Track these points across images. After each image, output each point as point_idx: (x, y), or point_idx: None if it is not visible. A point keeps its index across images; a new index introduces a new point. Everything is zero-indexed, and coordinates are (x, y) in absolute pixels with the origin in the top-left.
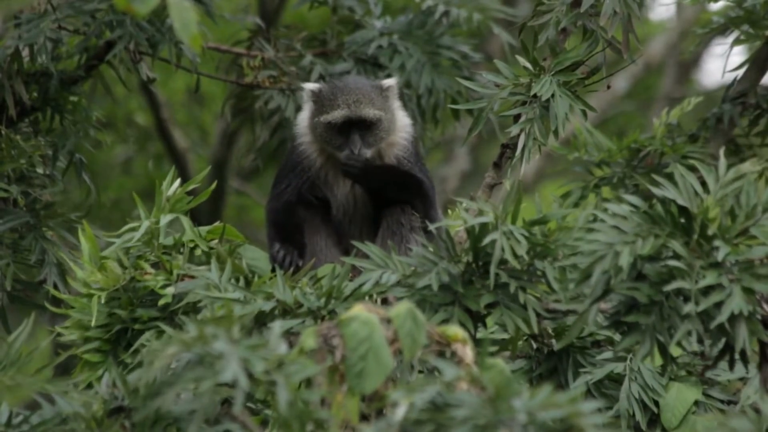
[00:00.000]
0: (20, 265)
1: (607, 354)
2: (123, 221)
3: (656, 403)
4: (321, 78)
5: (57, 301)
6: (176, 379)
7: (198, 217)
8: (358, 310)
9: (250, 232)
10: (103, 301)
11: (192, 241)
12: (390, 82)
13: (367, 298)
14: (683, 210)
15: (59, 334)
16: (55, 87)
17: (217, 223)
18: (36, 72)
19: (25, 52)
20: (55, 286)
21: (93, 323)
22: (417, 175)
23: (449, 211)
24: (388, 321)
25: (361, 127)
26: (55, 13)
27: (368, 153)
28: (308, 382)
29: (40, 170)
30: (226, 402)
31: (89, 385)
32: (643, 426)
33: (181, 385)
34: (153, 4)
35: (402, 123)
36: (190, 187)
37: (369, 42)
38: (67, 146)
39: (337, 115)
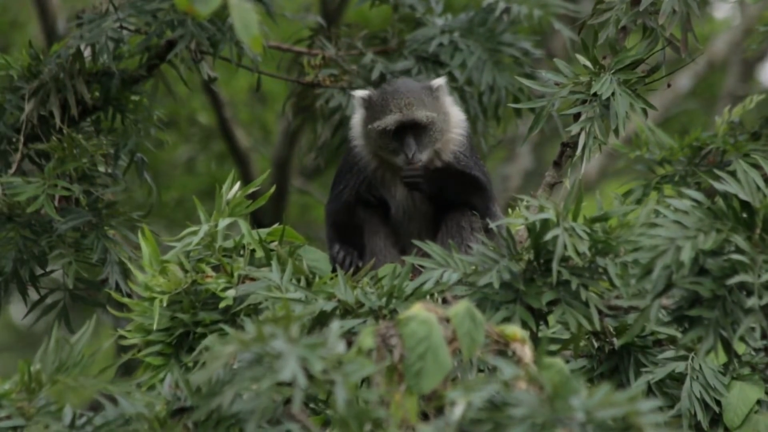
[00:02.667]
0: (82, 264)
1: (669, 353)
2: (186, 220)
3: (718, 403)
4: (382, 76)
5: (119, 303)
6: (235, 378)
7: (260, 216)
8: (417, 309)
9: (312, 231)
10: (164, 304)
11: (252, 243)
12: (439, 81)
13: (428, 297)
14: (745, 204)
15: (122, 336)
16: (116, 86)
17: (276, 225)
18: (98, 71)
19: (87, 52)
20: (117, 286)
21: (155, 327)
22: (472, 171)
23: (510, 210)
24: (446, 320)
25: (415, 130)
26: (117, 13)
27: (424, 156)
28: (367, 382)
29: (102, 169)
30: (288, 402)
31: (151, 387)
32: (705, 425)
33: (239, 384)
34: (214, 5)
35: (456, 119)
36: (251, 191)
37: (430, 40)
38: (128, 145)
39: (390, 120)
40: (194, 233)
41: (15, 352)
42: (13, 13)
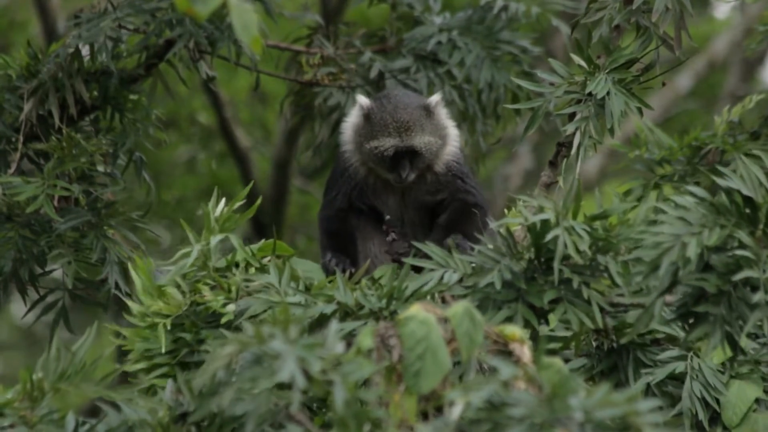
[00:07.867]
0: (82, 263)
1: (668, 353)
2: (187, 220)
3: (717, 401)
4: (380, 75)
5: (120, 300)
6: (234, 378)
7: (261, 217)
8: (416, 309)
9: (312, 231)
10: (168, 328)
11: (245, 259)
12: (435, 98)
13: (428, 297)
14: (748, 200)
15: (124, 339)
16: (115, 86)
17: (265, 240)
18: (96, 71)
19: (85, 51)
20: (117, 285)
21: (163, 350)
22: (470, 196)
23: (507, 210)
24: (445, 320)
25: (412, 154)
26: (115, 12)
27: (413, 176)
28: (366, 382)
29: (101, 169)
30: (288, 405)
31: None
32: (706, 424)
33: (238, 384)
34: (214, 5)
35: (452, 133)
36: (236, 205)
37: (428, 38)
38: (126, 145)
39: (388, 144)
40: (187, 255)
41: (18, 350)
42: (13, 13)
